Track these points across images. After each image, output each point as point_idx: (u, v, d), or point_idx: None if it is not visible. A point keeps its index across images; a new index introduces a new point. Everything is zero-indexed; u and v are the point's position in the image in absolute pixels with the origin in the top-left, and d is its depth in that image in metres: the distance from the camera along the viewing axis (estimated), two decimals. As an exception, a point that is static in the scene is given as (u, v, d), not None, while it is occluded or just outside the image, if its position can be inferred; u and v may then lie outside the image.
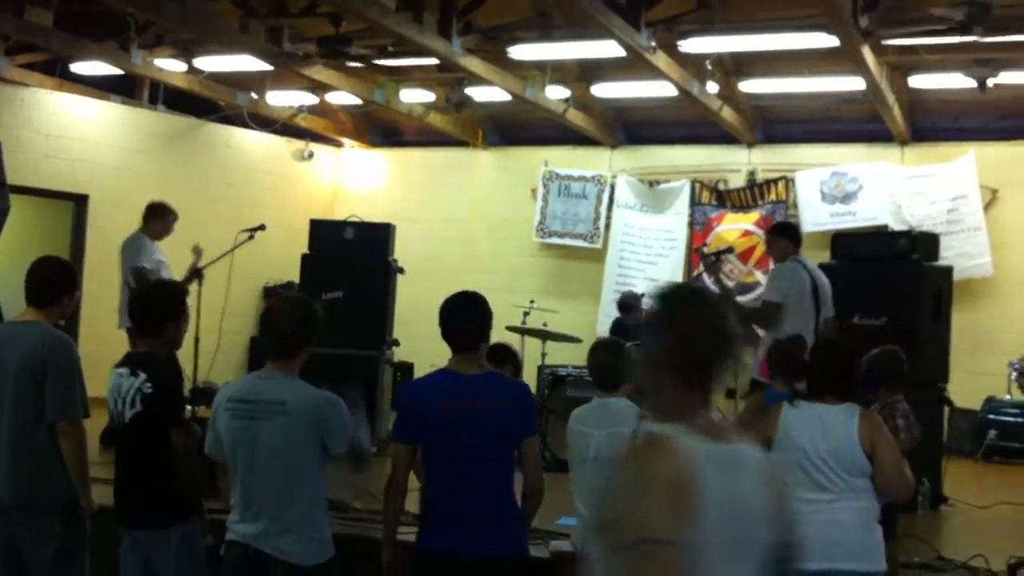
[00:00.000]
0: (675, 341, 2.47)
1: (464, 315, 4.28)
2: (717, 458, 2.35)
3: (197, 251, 8.95)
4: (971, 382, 10.46)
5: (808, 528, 4.19)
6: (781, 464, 2.77)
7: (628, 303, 10.53)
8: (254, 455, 4.13)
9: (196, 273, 8.74)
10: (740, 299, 12.03)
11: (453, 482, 4.12)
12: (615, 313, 10.84)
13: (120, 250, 8.96)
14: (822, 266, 8.09)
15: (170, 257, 9.06)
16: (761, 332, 7.55)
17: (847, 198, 12.23)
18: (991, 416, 10.89)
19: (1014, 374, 10.56)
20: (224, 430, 4.20)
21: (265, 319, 4.59)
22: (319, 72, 11.77)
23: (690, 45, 10.33)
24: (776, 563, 2.47)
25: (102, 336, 9.31)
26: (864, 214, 12.09)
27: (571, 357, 10.43)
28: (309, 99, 13.72)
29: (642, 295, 10.74)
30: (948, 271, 8.96)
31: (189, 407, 4.98)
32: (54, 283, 4.80)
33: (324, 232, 10.14)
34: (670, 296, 2.58)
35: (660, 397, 2.50)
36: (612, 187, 13.42)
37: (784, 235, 7.82)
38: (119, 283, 8.90)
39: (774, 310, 7.29)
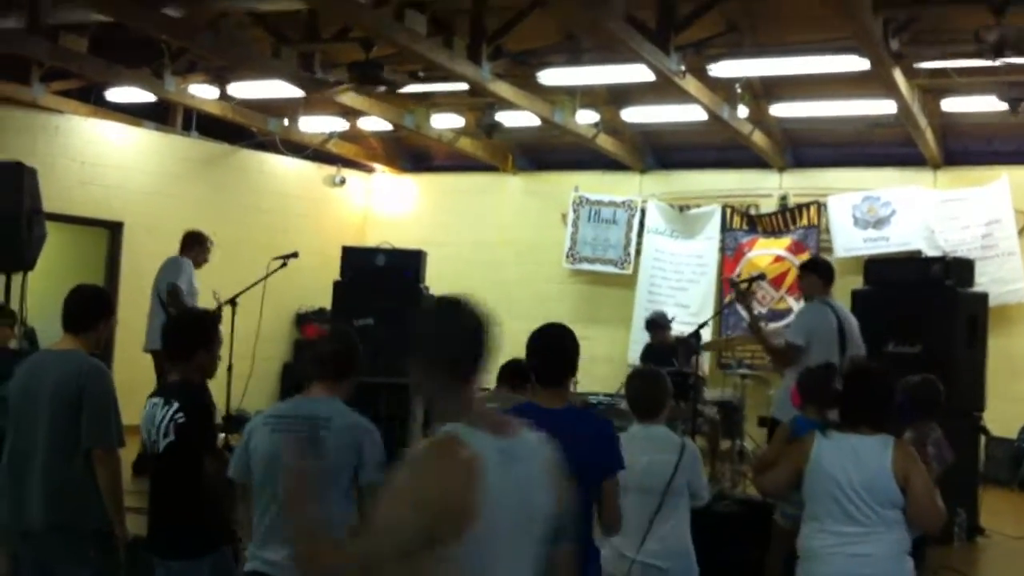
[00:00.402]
0: (440, 343, 2.78)
1: (555, 348, 4.13)
2: (502, 451, 2.57)
3: (218, 306, 9.17)
4: (1008, 409, 10.33)
5: (838, 560, 4.18)
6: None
7: (657, 322, 10.46)
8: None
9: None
10: (773, 326, 11.99)
11: None
12: (646, 338, 10.78)
13: (159, 270, 9.05)
14: (855, 292, 8.03)
15: (201, 279, 9.14)
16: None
17: (880, 223, 12.15)
18: (1028, 444, 10.76)
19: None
20: (261, 447, 4.17)
21: (313, 344, 4.59)
22: (350, 98, 11.84)
23: (720, 69, 10.32)
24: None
25: (136, 362, 9.36)
26: (897, 239, 12.01)
27: (602, 385, 10.40)
28: (340, 125, 13.80)
29: (672, 317, 10.68)
30: (983, 297, 8.88)
31: (222, 435, 4.99)
32: (90, 310, 4.83)
33: (356, 259, 10.17)
34: (432, 306, 2.92)
35: (440, 398, 2.76)
36: (643, 212, 13.40)
37: (814, 272, 7.67)
38: (149, 305, 8.98)
39: (795, 353, 7.22)
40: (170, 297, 8.89)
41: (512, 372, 5.08)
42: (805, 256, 12.34)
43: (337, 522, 4.09)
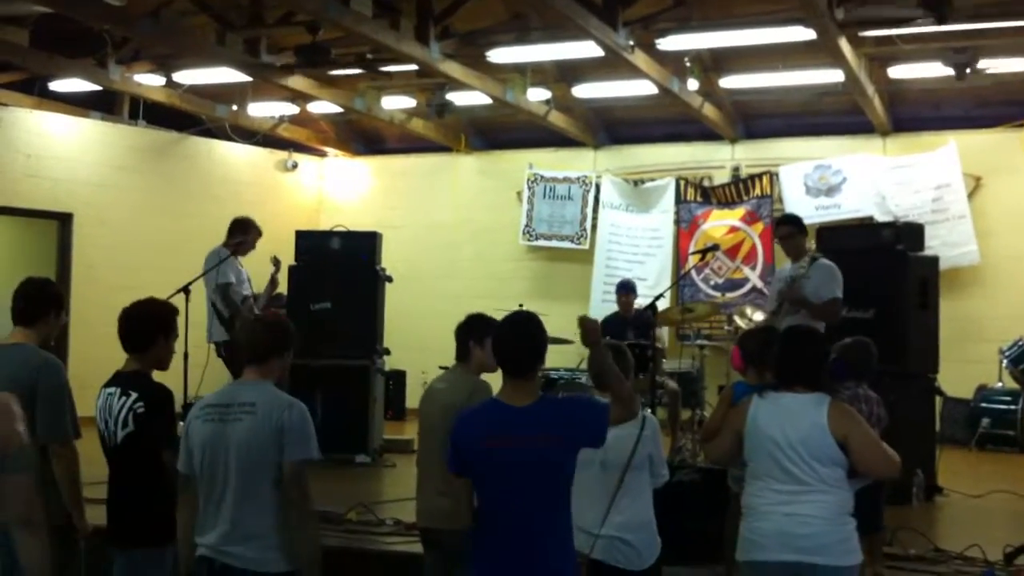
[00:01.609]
0: None
1: (517, 337, 3.95)
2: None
3: (276, 262, 9.23)
4: (962, 371, 10.48)
5: (776, 518, 4.22)
6: None
7: (629, 285, 10.47)
8: (223, 458, 4.10)
9: (274, 284, 9.28)
10: (730, 295, 12.08)
11: (499, 519, 3.85)
12: (605, 312, 10.81)
13: (204, 263, 8.97)
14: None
15: (154, 267, 9.04)
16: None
17: (831, 191, 12.26)
18: (983, 404, 10.93)
19: (1006, 362, 10.58)
20: (197, 437, 4.17)
21: (241, 330, 4.57)
22: (298, 82, 11.76)
23: (668, 43, 10.35)
24: None
25: (90, 355, 9.27)
26: (849, 206, 12.12)
27: (562, 360, 10.42)
28: (290, 109, 13.70)
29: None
30: (934, 261, 8.98)
31: (180, 423, 4.96)
32: (39, 302, 4.76)
33: (310, 243, 10.12)
34: None
35: None
36: (597, 187, 13.43)
37: (800, 230, 7.74)
38: (206, 297, 8.92)
39: (839, 307, 7.33)
40: (221, 298, 8.82)
41: (458, 345, 5.08)
42: (760, 226, 12.46)
43: (270, 501, 4.08)
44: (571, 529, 3.94)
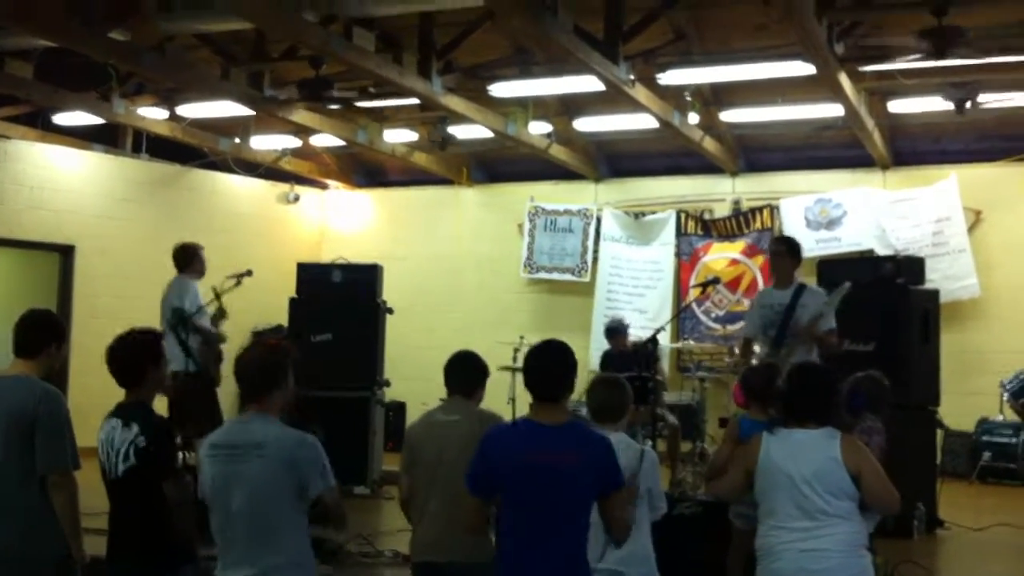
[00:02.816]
0: None
1: (552, 364, 4.06)
2: None
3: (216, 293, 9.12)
4: (963, 403, 10.47)
5: (792, 555, 4.21)
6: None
7: (616, 329, 10.45)
8: (234, 499, 4.10)
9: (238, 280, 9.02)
10: (731, 328, 12.05)
11: (524, 539, 3.90)
12: (605, 345, 10.81)
13: (164, 292, 8.91)
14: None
15: (157, 299, 9.03)
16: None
17: (832, 224, 12.29)
18: (985, 437, 10.91)
19: (1007, 395, 10.57)
20: (206, 476, 4.18)
21: (235, 366, 4.55)
22: (301, 115, 11.82)
23: (669, 77, 10.41)
24: None
25: (91, 387, 9.22)
26: (849, 239, 12.15)
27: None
28: (293, 142, 13.77)
29: (628, 324, 10.70)
30: (935, 294, 8.99)
31: (180, 455, 4.97)
32: (40, 334, 4.76)
33: (311, 275, 10.15)
34: None
35: None
36: (598, 220, 13.47)
37: (796, 254, 7.56)
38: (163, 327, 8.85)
39: (836, 337, 7.19)
40: (176, 319, 8.74)
41: (464, 380, 5.05)
42: (760, 259, 12.46)
43: (293, 544, 4.10)
44: (586, 559, 3.97)
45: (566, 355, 4.08)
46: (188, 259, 9.10)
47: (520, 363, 10.15)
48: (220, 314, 8.94)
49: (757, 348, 7.43)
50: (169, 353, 8.52)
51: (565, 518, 3.91)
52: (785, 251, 7.57)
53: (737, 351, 9.10)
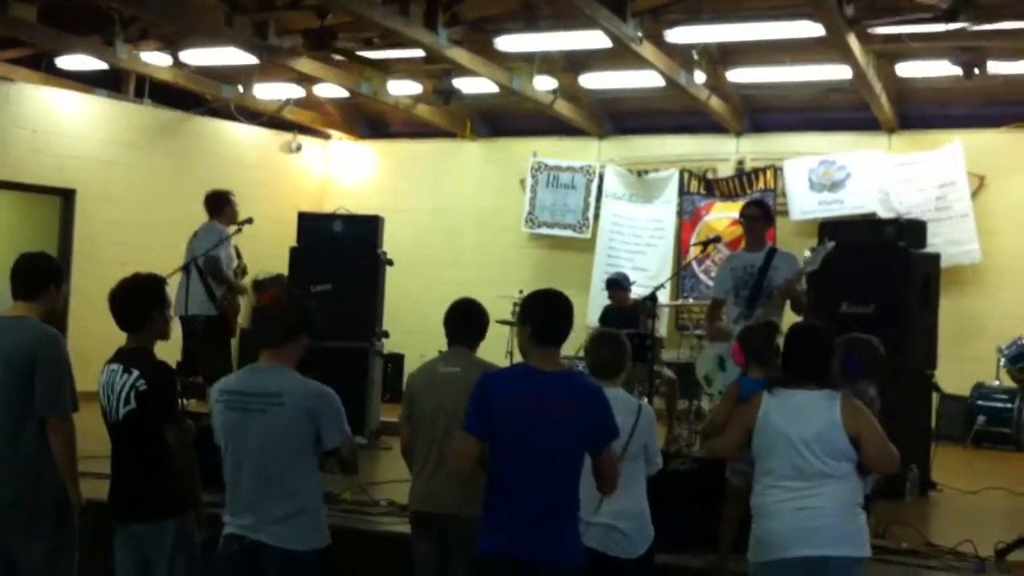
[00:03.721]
0: None
1: (563, 313, 4.16)
2: None
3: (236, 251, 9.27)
4: (960, 368, 10.49)
5: (788, 515, 4.24)
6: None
7: (617, 282, 10.41)
8: (247, 447, 4.14)
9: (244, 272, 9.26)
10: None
11: (520, 484, 3.94)
12: (605, 301, 10.81)
13: (193, 237, 8.93)
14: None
15: (157, 245, 9.06)
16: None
17: (835, 186, 12.26)
18: (980, 402, 10.94)
19: (1004, 360, 10.59)
20: (218, 421, 4.21)
21: (257, 313, 4.59)
22: (305, 65, 11.76)
23: (676, 35, 10.34)
24: None
25: (91, 330, 9.26)
26: (852, 202, 12.12)
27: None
28: (296, 92, 13.70)
29: (634, 281, 10.69)
30: (936, 258, 8.97)
31: (181, 400, 4.99)
32: (37, 276, 4.76)
33: (312, 225, 10.12)
34: None
35: None
36: (601, 177, 13.43)
37: (770, 218, 7.70)
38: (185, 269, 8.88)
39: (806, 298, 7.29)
40: (210, 268, 8.79)
41: (466, 330, 5.05)
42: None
43: (305, 490, 4.14)
44: (579, 505, 4.02)
45: (569, 303, 4.19)
46: (220, 205, 9.14)
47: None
48: (242, 271, 9.07)
49: (725, 311, 7.47)
50: (195, 296, 8.71)
51: (557, 466, 3.95)
52: (761, 214, 7.67)
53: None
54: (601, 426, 4.02)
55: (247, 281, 10.03)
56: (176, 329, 8.20)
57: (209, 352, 8.62)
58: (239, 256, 9.31)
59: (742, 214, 7.76)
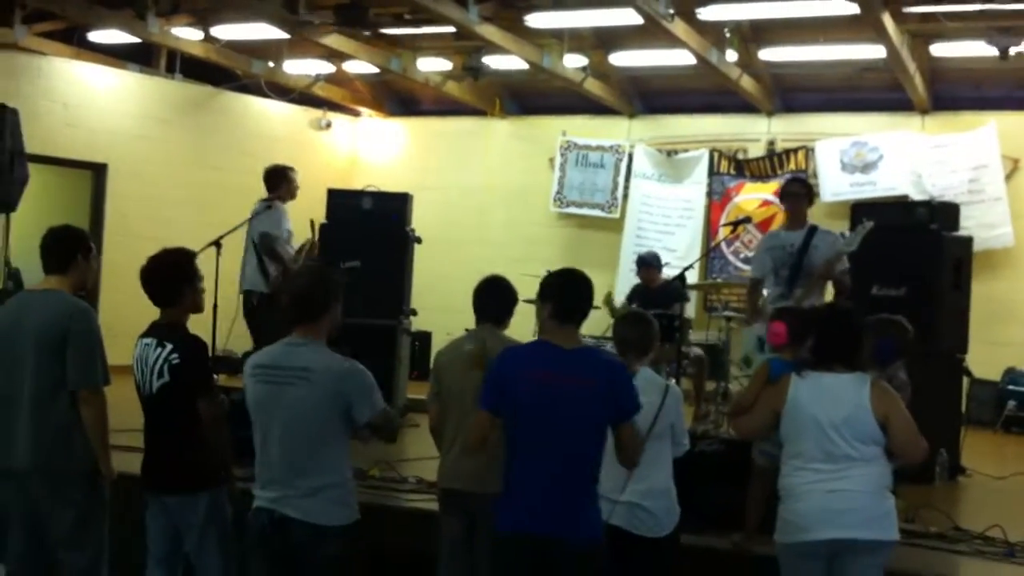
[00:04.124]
0: None
1: (575, 286, 4.22)
2: None
3: (312, 228, 9.21)
4: (991, 353, 10.40)
5: (816, 497, 4.23)
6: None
7: (647, 261, 10.34)
8: (276, 421, 4.15)
9: (312, 247, 9.12)
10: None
11: (538, 459, 3.96)
12: (633, 281, 10.78)
13: (252, 213, 8.95)
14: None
15: (187, 219, 9.08)
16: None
17: (867, 168, 12.15)
18: (1010, 387, 10.87)
19: (1033, 345, 10.51)
20: (250, 395, 4.23)
21: (284, 286, 4.59)
22: (336, 40, 11.75)
23: (708, 13, 10.28)
24: None
25: (122, 304, 9.31)
26: (884, 184, 12.01)
27: (588, 327, 10.39)
28: (326, 68, 13.69)
29: (666, 263, 10.63)
30: (968, 241, 8.89)
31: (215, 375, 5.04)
32: (64, 247, 4.79)
33: (341, 202, 10.13)
34: None
35: None
36: (630, 157, 13.37)
37: (812, 196, 7.47)
38: (245, 246, 8.90)
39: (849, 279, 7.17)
40: (264, 247, 8.82)
41: (494, 307, 5.03)
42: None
43: (333, 465, 4.15)
44: (598, 481, 4.03)
45: (589, 280, 4.25)
46: (278, 181, 9.14)
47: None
48: (310, 247, 9.05)
49: (765, 291, 7.39)
50: (249, 273, 8.75)
51: (575, 441, 3.96)
52: (804, 193, 7.50)
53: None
54: (621, 399, 4.02)
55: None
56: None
57: (259, 329, 8.69)
58: (312, 230, 9.30)
59: (784, 191, 7.64)
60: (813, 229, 7.24)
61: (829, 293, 7.32)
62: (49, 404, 4.61)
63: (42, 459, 4.62)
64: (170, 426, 4.62)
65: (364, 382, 4.18)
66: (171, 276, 4.68)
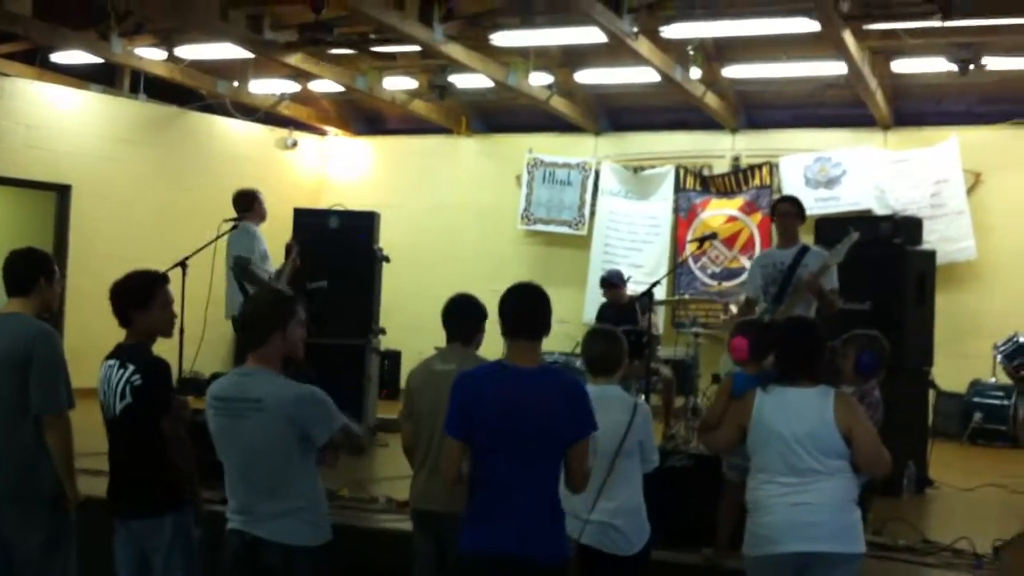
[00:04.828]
0: None
1: (531, 303, 4.09)
2: None
3: (292, 248, 9.10)
4: (956, 366, 10.50)
5: (782, 510, 4.25)
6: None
7: (610, 280, 10.39)
8: (237, 452, 4.12)
9: (295, 266, 8.99)
10: (727, 284, 12.06)
11: (500, 480, 3.92)
12: (601, 298, 10.81)
13: (228, 239, 8.86)
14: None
15: (153, 240, 9.01)
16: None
17: (831, 183, 12.26)
18: (976, 399, 10.94)
19: (1000, 357, 10.60)
20: (210, 425, 4.20)
21: (240, 314, 4.54)
22: (301, 60, 11.73)
23: (672, 31, 10.34)
24: None
25: (87, 327, 9.26)
26: (848, 199, 12.12)
27: (557, 344, 10.43)
28: (292, 87, 13.67)
29: (629, 277, 10.67)
30: (931, 255, 8.98)
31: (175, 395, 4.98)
32: (26, 270, 4.72)
33: (308, 221, 10.11)
34: None
35: None
36: (597, 173, 13.43)
37: (803, 215, 7.42)
38: (226, 270, 8.78)
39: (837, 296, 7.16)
40: (238, 270, 8.70)
41: (462, 325, 5.02)
42: (758, 216, 12.45)
43: (300, 490, 4.12)
44: (560, 502, 3.98)
45: (542, 294, 4.12)
46: (248, 203, 9.06)
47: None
48: (292, 269, 8.94)
49: (758, 309, 7.41)
50: (231, 299, 8.62)
51: (537, 462, 3.92)
52: (795, 212, 7.46)
53: (734, 309, 9.08)
54: (577, 419, 3.95)
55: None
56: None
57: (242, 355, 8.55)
58: (289, 253, 9.19)
59: (775, 211, 7.64)
60: (805, 248, 7.24)
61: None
62: (14, 429, 4.56)
63: (8, 484, 4.56)
64: (134, 448, 4.57)
65: (317, 405, 4.13)
66: (121, 301, 4.63)
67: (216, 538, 4.30)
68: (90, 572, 4.90)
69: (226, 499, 4.24)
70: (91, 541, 4.84)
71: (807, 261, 7.12)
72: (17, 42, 12.11)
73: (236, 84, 13.44)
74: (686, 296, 12.47)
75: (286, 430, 4.06)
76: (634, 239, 13.16)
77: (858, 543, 4.32)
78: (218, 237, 8.82)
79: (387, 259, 9.89)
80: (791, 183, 12.41)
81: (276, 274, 8.96)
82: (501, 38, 10.92)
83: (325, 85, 13.35)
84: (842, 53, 10.14)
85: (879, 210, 11.55)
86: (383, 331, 9.91)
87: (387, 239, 10.15)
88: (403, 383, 5.16)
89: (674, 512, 5.53)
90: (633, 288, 10.43)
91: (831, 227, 9.15)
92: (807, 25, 9.56)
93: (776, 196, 12.31)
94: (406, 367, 12.87)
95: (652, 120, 13.45)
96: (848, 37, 9.79)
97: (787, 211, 7.48)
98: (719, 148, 13.18)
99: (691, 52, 11.15)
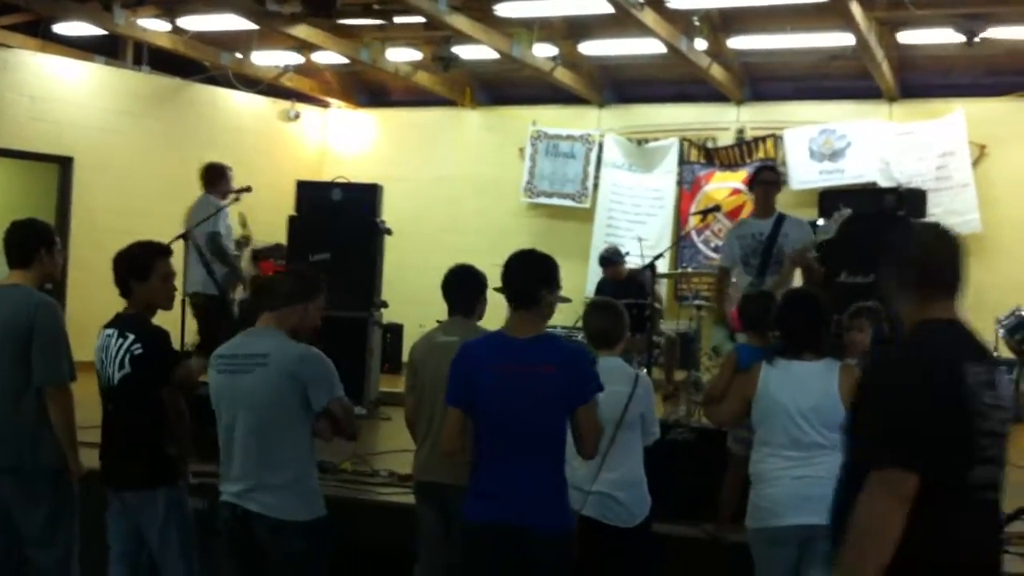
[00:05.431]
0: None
1: (532, 267, 4.10)
2: None
3: (244, 221, 9.14)
4: (959, 339, 10.45)
5: (785, 483, 4.25)
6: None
7: (608, 258, 10.38)
8: (235, 409, 4.13)
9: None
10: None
11: (504, 450, 3.93)
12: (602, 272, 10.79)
13: (189, 211, 8.80)
14: (810, 224, 8.02)
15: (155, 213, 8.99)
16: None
17: (835, 155, 12.21)
18: (978, 373, 10.90)
19: (1002, 331, 10.57)
20: (212, 386, 4.21)
21: (260, 282, 4.58)
22: (304, 31, 11.68)
23: (678, 1, 10.28)
24: None
25: (89, 299, 9.25)
26: (852, 171, 12.08)
27: (560, 317, 10.39)
28: (295, 59, 13.61)
29: (627, 252, 10.65)
30: (936, 228, 8.93)
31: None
32: (26, 242, 4.74)
33: (311, 194, 10.08)
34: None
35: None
36: (600, 146, 13.38)
37: (777, 184, 7.44)
38: (191, 246, 8.67)
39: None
40: (214, 247, 8.63)
41: (463, 297, 5.02)
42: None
43: (296, 458, 4.12)
44: (564, 472, 3.99)
45: (543, 260, 4.11)
46: (215, 178, 9.02)
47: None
48: (244, 241, 8.92)
49: (734, 278, 7.38)
50: (193, 274, 8.57)
51: (539, 431, 3.93)
52: (775, 180, 7.47)
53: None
54: (579, 382, 3.95)
55: (245, 254, 9.94)
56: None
57: (207, 332, 8.51)
58: (245, 225, 9.20)
59: (759, 179, 7.55)
60: (782, 217, 7.21)
61: (798, 280, 7.32)
62: (16, 402, 4.57)
63: (10, 457, 4.57)
64: (130, 419, 4.58)
65: (321, 366, 4.16)
66: (121, 270, 4.63)
67: (212, 511, 4.32)
68: (93, 543, 4.92)
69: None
70: (93, 513, 4.86)
71: (786, 230, 7.06)
72: (20, 13, 12.07)
73: (239, 56, 13.38)
74: (689, 269, 12.46)
75: (287, 386, 4.07)
76: (637, 212, 13.12)
77: None
78: (219, 210, 8.80)
79: (389, 232, 9.86)
80: (796, 156, 12.37)
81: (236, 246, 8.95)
82: (505, 9, 10.88)
83: (328, 57, 13.30)
84: (848, 24, 10.08)
85: (884, 183, 11.50)
86: (385, 304, 9.89)
87: (390, 212, 10.12)
88: (405, 356, 5.16)
89: (675, 485, 5.54)
90: (636, 262, 10.40)
91: (835, 200, 9.14)
92: (813, -4, 9.51)
93: (780, 169, 12.30)
94: (408, 340, 12.87)
95: (656, 92, 13.39)
96: (855, 7, 9.73)
97: (771, 179, 7.45)
98: (724, 120, 13.12)
99: (696, 23, 11.08)
